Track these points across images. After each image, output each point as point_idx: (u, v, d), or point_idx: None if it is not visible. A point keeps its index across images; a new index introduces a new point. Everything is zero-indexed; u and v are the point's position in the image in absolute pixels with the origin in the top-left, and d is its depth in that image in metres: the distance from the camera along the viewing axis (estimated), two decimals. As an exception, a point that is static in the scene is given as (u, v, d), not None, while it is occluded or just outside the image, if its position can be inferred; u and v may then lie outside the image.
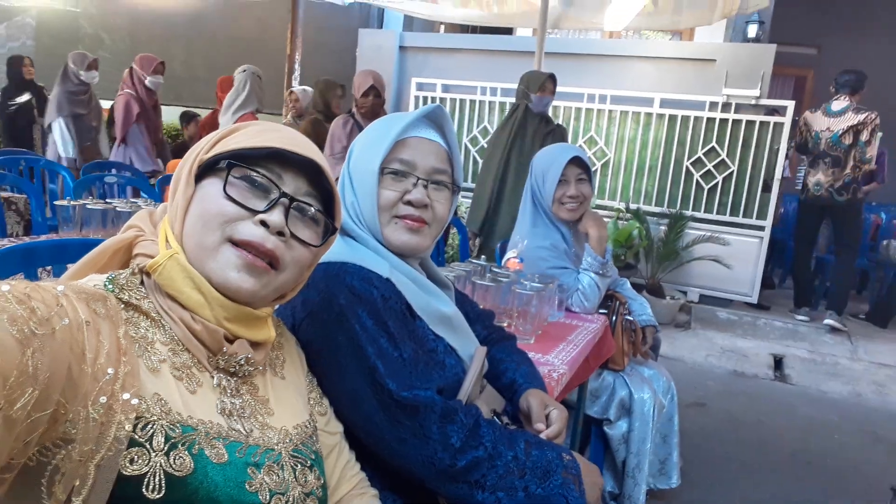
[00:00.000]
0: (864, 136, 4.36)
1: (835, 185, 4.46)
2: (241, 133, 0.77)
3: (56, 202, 2.08)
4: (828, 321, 4.57)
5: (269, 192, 0.74)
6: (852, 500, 2.55)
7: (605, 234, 2.01)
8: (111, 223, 2.08)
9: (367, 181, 0.99)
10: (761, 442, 3.00)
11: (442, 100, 5.73)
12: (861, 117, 4.34)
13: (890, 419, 3.51)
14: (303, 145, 0.76)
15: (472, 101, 5.59)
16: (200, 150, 0.76)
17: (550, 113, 3.55)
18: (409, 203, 0.99)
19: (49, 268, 1.41)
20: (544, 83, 3.36)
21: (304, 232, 0.76)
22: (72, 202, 2.03)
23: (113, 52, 8.24)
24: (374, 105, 3.50)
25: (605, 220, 4.65)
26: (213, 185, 0.73)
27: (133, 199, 2.22)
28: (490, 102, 5.52)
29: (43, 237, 2.02)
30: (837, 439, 3.15)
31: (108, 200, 2.14)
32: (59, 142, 4.37)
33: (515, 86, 5.32)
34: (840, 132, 4.39)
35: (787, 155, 4.83)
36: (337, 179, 0.86)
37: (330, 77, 4.17)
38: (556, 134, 3.34)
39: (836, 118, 4.45)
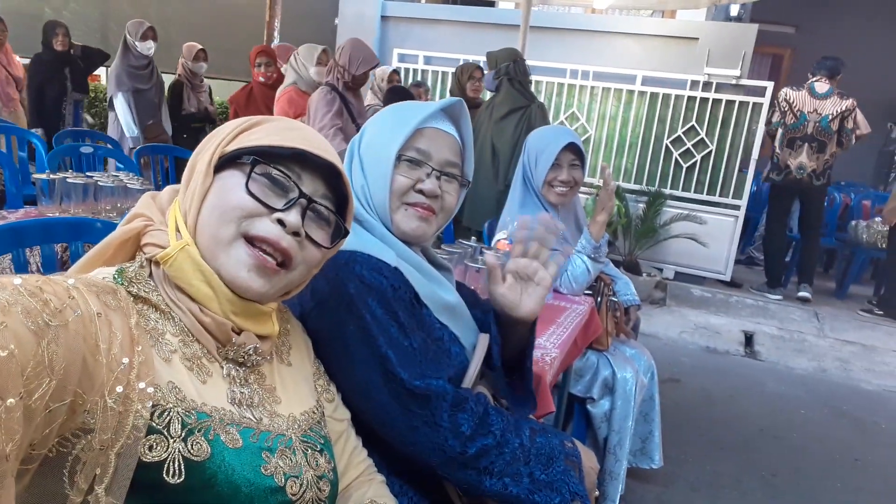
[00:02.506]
0: (850, 124, 4.39)
1: (817, 170, 4.48)
2: (262, 128, 0.77)
3: (35, 175, 2.01)
4: (801, 293, 4.82)
5: (289, 191, 0.75)
6: (817, 473, 2.67)
7: (606, 221, 1.97)
8: (92, 197, 2.03)
9: (382, 166, 0.99)
10: (732, 417, 3.11)
11: (423, 72, 5.66)
12: (847, 103, 4.36)
13: (853, 394, 3.66)
14: (324, 148, 0.77)
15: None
16: (221, 142, 0.75)
17: (533, 89, 3.51)
18: (420, 192, 1.00)
19: (37, 248, 1.38)
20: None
21: (318, 233, 0.77)
22: (51, 175, 1.97)
23: (83, 5, 7.89)
24: (363, 82, 3.43)
25: (584, 197, 4.74)
26: (233, 177, 0.73)
27: (114, 174, 2.16)
28: (472, 76, 5.45)
29: (21, 212, 1.96)
30: (804, 414, 3.28)
31: (88, 174, 2.08)
32: (122, 120, 4.09)
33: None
34: (830, 117, 4.37)
35: (769, 133, 4.75)
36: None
37: (468, 61, 4.12)
38: (527, 116, 3.19)
39: (822, 101, 4.41)
